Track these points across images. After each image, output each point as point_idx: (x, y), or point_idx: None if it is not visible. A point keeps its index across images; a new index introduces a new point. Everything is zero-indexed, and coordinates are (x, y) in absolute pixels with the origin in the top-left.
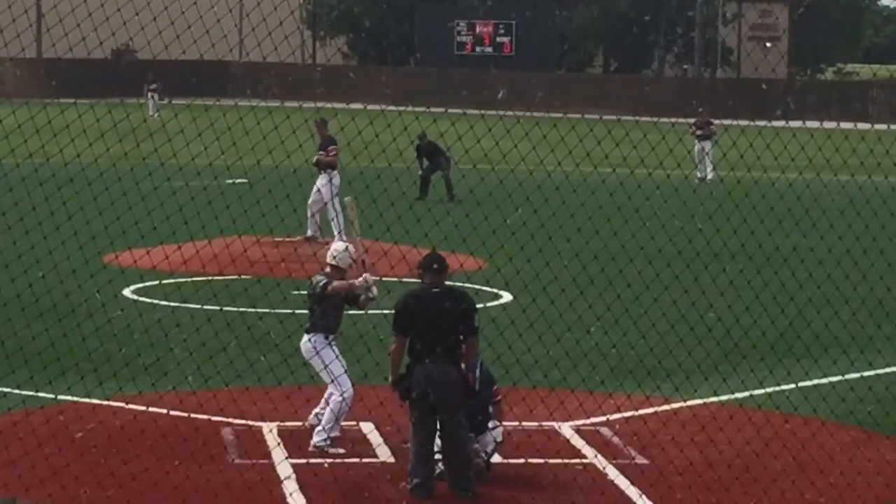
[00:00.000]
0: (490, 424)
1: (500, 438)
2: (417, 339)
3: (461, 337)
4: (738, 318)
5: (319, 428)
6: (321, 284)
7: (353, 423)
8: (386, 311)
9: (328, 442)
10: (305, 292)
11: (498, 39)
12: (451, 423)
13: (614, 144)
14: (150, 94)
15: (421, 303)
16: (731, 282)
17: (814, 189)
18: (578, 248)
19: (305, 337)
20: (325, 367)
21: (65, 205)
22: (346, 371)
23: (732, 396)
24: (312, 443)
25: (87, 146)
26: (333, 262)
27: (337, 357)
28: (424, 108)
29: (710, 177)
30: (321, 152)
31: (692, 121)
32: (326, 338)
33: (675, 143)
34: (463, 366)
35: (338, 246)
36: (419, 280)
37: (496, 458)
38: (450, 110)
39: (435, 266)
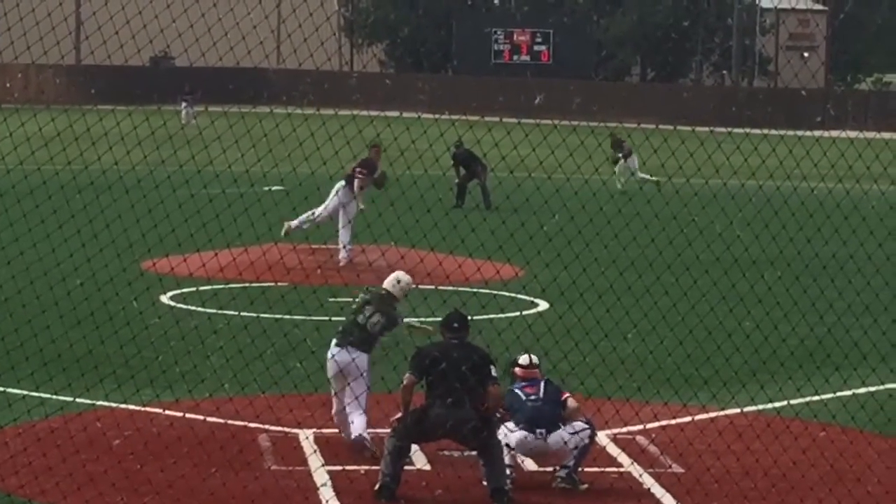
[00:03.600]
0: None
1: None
2: (437, 383)
3: (480, 387)
4: (776, 326)
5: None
6: (401, 318)
7: (388, 430)
8: (413, 319)
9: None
10: (356, 302)
11: (535, 48)
12: (481, 439)
13: (652, 152)
14: (183, 104)
15: (441, 349)
16: (769, 289)
17: (853, 197)
18: (615, 255)
19: (348, 351)
20: (367, 389)
21: (103, 212)
22: None
23: (770, 405)
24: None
25: (125, 153)
26: (395, 291)
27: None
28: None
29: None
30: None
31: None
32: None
33: (713, 151)
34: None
35: (402, 276)
36: (441, 334)
37: (531, 465)
38: (486, 118)
39: (455, 325)
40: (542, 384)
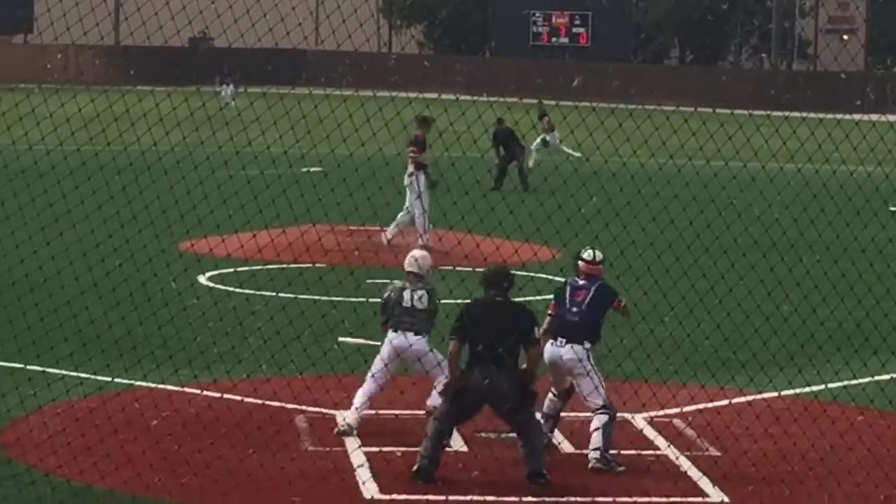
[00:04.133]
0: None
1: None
2: (477, 344)
3: (521, 347)
4: (815, 310)
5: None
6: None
7: (425, 411)
8: (450, 301)
9: None
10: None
11: (574, 30)
12: (519, 419)
13: (690, 135)
14: (223, 85)
15: (484, 310)
16: (808, 273)
17: (892, 181)
18: (653, 237)
19: (418, 337)
20: (439, 363)
21: (142, 193)
22: None
23: (807, 389)
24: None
25: (164, 134)
26: (419, 269)
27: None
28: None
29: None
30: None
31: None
32: None
33: (752, 134)
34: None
35: (417, 253)
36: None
37: (568, 447)
38: (524, 100)
39: (498, 280)
40: (594, 291)
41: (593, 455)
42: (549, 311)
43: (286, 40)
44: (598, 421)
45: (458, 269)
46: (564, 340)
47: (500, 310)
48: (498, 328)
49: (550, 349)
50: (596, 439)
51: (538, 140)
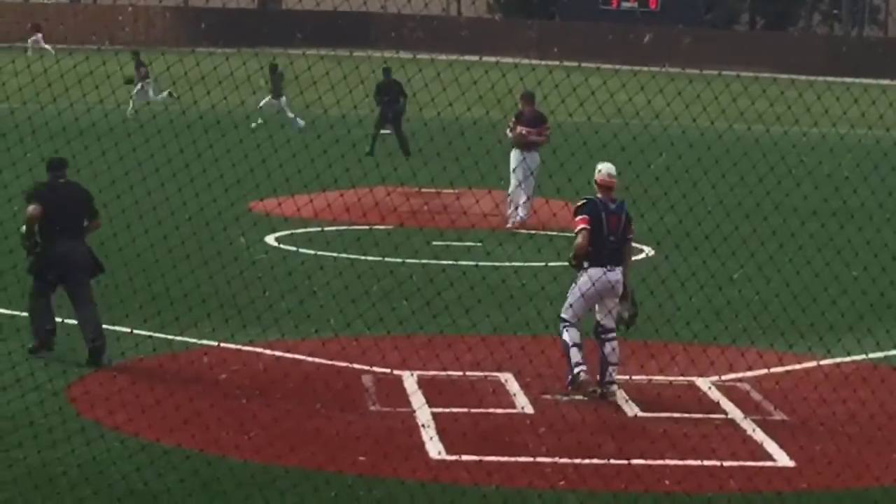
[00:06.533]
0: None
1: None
2: (54, 221)
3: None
4: (884, 269)
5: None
6: None
7: (491, 372)
8: (518, 264)
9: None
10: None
11: None
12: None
13: (757, 96)
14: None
15: (52, 191)
16: (868, 242)
17: None
18: (722, 196)
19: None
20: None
21: (211, 148)
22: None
23: (868, 356)
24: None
25: (233, 89)
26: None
27: None
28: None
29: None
30: (528, 129)
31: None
32: None
33: (820, 93)
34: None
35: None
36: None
37: (633, 409)
38: (593, 64)
39: (60, 164)
40: (624, 217)
41: (614, 388)
42: (580, 230)
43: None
44: (615, 349)
45: (525, 231)
46: (612, 265)
47: (66, 188)
48: (69, 204)
49: (603, 278)
50: (614, 372)
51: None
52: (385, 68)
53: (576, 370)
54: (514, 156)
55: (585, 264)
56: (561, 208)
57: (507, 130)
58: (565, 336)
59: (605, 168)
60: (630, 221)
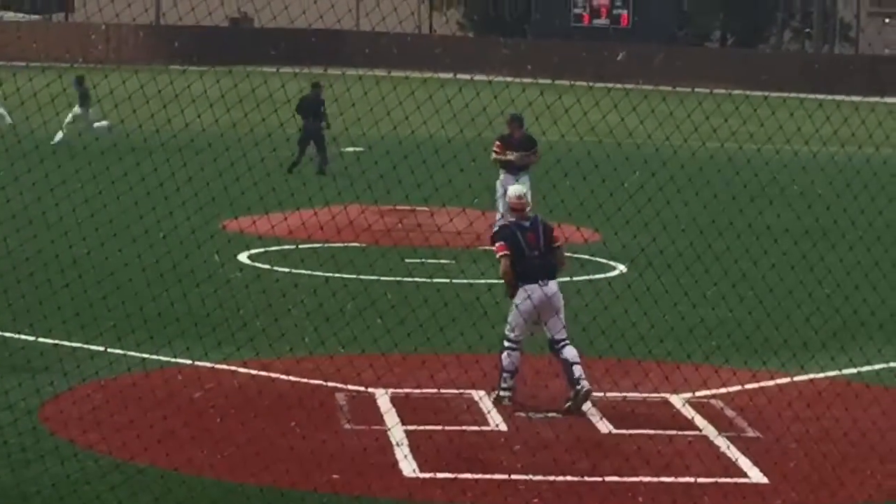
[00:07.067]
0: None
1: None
2: None
3: None
4: (857, 287)
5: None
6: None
7: (466, 389)
8: (492, 281)
9: None
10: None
11: (615, 11)
12: None
13: (728, 116)
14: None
15: None
16: (841, 260)
17: None
18: (694, 215)
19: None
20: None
21: (185, 166)
22: None
23: (848, 370)
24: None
25: (206, 108)
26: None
27: None
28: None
29: None
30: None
31: (497, 141)
32: None
33: (793, 110)
34: None
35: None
36: None
37: (606, 427)
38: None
39: None
40: (541, 230)
41: (585, 383)
42: (502, 253)
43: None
44: (573, 351)
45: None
46: (545, 279)
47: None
48: None
49: (538, 291)
50: (580, 369)
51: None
52: (315, 83)
53: (502, 393)
54: (505, 180)
55: (520, 284)
56: None
57: (493, 155)
58: (505, 359)
59: (512, 191)
60: (551, 231)
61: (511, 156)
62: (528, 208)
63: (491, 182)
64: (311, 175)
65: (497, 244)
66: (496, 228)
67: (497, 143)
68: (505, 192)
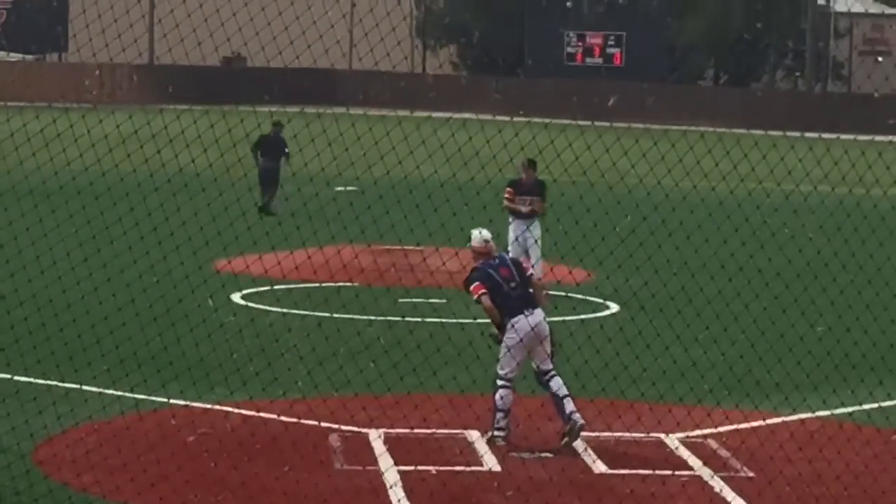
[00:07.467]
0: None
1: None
2: None
3: None
4: (849, 329)
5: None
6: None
7: (460, 430)
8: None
9: None
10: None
11: (608, 50)
12: None
13: (723, 155)
14: None
15: None
16: (842, 293)
17: None
18: (686, 258)
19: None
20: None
21: (179, 210)
22: None
23: (840, 410)
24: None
25: (201, 152)
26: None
27: None
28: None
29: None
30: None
31: (508, 187)
32: None
33: (784, 153)
34: None
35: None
36: None
37: (601, 468)
38: (558, 120)
39: None
40: (511, 264)
41: (578, 417)
42: (480, 295)
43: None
44: (559, 382)
45: None
46: (528, 309)
47: None
48: None
49: (524, 322)
50: (571, 402)
51: None
52: (276, 122)
53: (495, 433)
54: (516, 226)
55: (506, 320)
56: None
57: (504, 202)
58: (498, 399)
59: (477, 236)
60: (520, 264)
61: (521, 206)
62: (493, 251)
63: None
64: (305, 217)
65: (472, 286)
66: (468, 274)
67: (508, 189)
68: (516, 238)
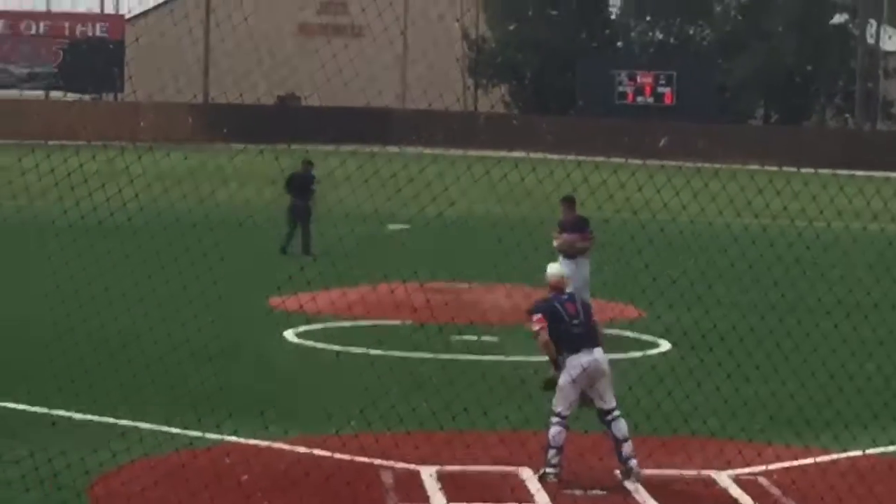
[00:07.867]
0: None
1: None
2: None
3: None
4: (889, 378)
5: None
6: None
7: (512, 468)
8: (536, 359)
9: None
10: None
11: (659, 90)
12: None
13: (775, 194)
14: None
15: None
16: (891, 332)
17: None
18: (737, 297)
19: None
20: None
21: (234, 249)
22: None
23: (891, 448)
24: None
25: (256, 191)
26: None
27: None
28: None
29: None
30: (570, 234)
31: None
32: None
33: (835, 193)
34: None
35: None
36: None
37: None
38: (611, 159)
39: None
40: (579, 302)
41: (635, 464)
42: (539, 325)
43: (377, 99)
44: (623, 425)
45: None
46: (590, 346)
47: None
48: None
49: (578, 361)
50: (630, 447)
51: None
52: (306, 160)
53: (548, 470)
54: (565, 266)
55: (564, 355)
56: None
57: (554, 242)
58: (551, 436)
59: (553, 270)
60: (589, 307)
61: (555, 242)
62: (567, 288)
63: (537, 262)
64: (356, 255)
65: (535, 316)
66: (534, 303)
67: (557, 228)
68: (570, 276)
